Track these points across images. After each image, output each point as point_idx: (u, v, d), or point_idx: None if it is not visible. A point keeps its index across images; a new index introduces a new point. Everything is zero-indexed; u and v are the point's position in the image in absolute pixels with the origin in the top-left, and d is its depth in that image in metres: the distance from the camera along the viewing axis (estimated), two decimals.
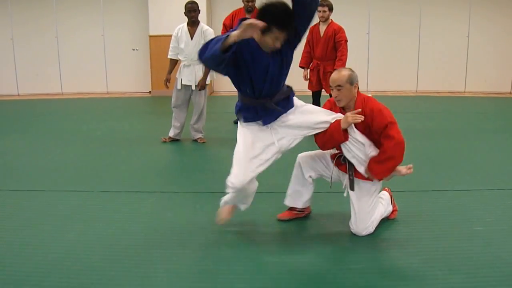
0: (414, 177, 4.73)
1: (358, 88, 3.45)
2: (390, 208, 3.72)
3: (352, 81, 3.38)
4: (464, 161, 5.34)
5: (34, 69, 10.37)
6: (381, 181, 3.53)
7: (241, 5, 7.13)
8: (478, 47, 10.21)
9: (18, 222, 3.77)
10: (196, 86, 6.02)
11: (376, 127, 3.34)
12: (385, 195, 3.74)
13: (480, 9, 10.05)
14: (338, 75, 3.39)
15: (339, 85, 3.36)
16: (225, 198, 3.41)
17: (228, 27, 7.20)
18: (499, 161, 5.33)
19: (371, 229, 3.48)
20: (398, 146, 3.34)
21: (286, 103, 3.36)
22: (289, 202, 3.71)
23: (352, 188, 3.48)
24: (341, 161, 3.50)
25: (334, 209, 3.95)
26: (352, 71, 3.44)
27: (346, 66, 6.32)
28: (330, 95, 6.44)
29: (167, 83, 6.14)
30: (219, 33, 7.05)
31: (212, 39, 3.00)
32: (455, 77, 10.39)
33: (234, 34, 2.87)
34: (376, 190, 3.51)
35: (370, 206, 3.46)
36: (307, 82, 6.69)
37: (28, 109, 8.91)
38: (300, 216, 3.76)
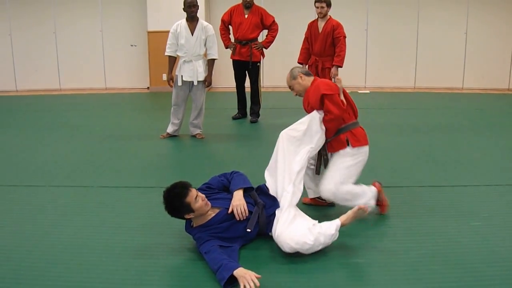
0: (411, 172, 4.79)
1: (305, 76, 3.77)
2: (372, 202, 3.67)
3: (294, 76, 3.78)
4: (462, 157, 5.36)
5: (33, 64, 10.36)
6: (360, 153, 3.63)
7: (239, 0, 7.14)
8: (476, 43, 10.22)
9: (17, 217, 3.79)
10: (198, 81, 6.02)
11: (312, 103, 3.62)
12: (370, 189, 3.72)
13: (478, 6, 10.06)
14: (286, 80, 3.84)
15: (289, 86, 3.83)
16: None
17: (226, 23, 7.20)
18: (496, 157, 5.35)
19: (338, 194, 3.53)
20: (334, 121, 3.57)
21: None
22: (312, 195, 3.91)
23: (326, 166, 3.69)
24: None
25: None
26: (292, 69, 3.84)
27: (345, 62, 6.37)
28: None
29: (171, 82, 6.12)
30: (218, 29, 7.08)
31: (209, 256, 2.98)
32: (453, 74, 10.40)
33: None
34: (350, 160, 3.59)
35: (341, 167, 3.57)
36: None
37: (27, 104, 8.90)
38: (323, 205, 3.90)
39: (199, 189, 3.38)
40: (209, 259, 2.95)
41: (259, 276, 2.72)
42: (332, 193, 3.56)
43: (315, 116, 3.57)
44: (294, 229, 3.12)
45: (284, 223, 3.18)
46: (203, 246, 3.05)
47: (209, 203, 3.19)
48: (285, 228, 3.13)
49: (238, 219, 3.20)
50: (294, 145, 3.49)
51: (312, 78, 3.80)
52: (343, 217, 3.25)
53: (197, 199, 3.09)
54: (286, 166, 3.43)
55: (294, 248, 3.04)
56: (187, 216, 3.13)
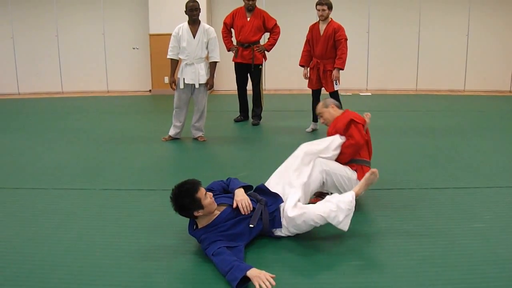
0: (413, 174, 4.79)
1: (336, 107, 4.17)
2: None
3: (326, 105, 4.16)
4: (464, 159, 5.36)
5: (35, 67, 10.40)
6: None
7: (242, 3, 7.16)
8: (478, 45, 10.23)
9: (20, 220, 3.79)
10: (199, 84, 6.03)
11: (339, 127, 3.91)
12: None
13: (479, 8, 10.08)
14: (317, 107, 4.25)
15: (319, 113, 4.20)
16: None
17: (228, 26, 7.22)
18: (498, 159, 5.35)
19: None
20: (353, 147, 3.84)
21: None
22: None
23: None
24: None
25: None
26: (326, 99, 4.28)
27: (346, 64, 6.38)
28: (330, 93, 6.53)
29: (174, 85, 6.13)
30: (220, 32, 7.09)
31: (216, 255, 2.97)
32: (455, 76, 10.42)
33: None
34: (350, 175, 3.81)
35: (341, 167, 3.81)
36: (307, 80, 6.70)
37: (29, 107, 8.93)
38: None
39: None
40: (218, 260, 2.93)
41: (273, 275, 2.73)
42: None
43: (337, 139, 3.84)
44: (313, 205, 3.30)
45: (298, 205, 3.30)
46: (210, 247, 3.04)
47: (215, 202, 3.21)
48: (301, 209, 3.25)
49: (243, 213, 3.22)
50: (309, 157, 3.68)
51: (342, 110, 4.13)
52: (356, 188, 3.50)
53: (206, 195, 3.12)
54: (296, 172, 3.58)
55: (323, 218, 3.20)
56: (196, 213, 3.12)
